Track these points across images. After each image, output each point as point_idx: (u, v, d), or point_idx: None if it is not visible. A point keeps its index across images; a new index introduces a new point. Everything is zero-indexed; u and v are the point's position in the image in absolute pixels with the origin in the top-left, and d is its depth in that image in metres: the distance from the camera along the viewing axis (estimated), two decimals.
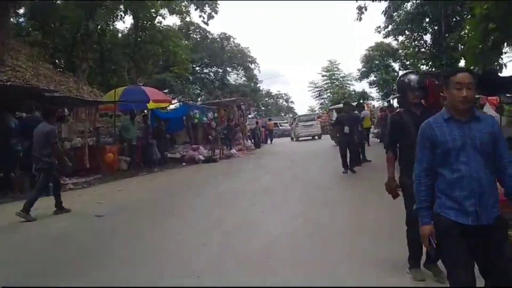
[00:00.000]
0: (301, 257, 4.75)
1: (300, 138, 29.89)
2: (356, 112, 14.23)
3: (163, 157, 15.72)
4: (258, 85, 55.80)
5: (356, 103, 18.19)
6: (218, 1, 30.41)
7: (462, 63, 22.22)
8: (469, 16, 20.60)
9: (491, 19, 7.52)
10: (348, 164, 11.03)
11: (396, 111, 4.57)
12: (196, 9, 31.01)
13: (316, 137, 29.85)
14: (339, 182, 10.19)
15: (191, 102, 26.35)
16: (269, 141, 30.71)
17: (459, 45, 21.57)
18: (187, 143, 18.73)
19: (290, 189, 9.15)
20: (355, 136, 11.49)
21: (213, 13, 30.92)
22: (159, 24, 29.66)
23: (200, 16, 30.82)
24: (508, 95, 14.75)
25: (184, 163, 16.14)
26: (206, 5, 30.70)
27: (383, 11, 28.27)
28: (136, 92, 16.57)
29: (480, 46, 8.17)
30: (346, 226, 6.00)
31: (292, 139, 32.15)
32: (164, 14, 30.00)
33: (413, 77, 3.80)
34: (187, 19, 36.60)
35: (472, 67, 9.17)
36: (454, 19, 24.28)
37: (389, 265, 4.26)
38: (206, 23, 33.10)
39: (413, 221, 3.27)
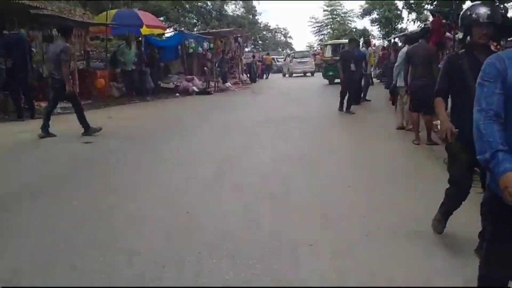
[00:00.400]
0: (292, 196, 4.64)
1: (293, 74, 30.71)
2: (363, 49, 13.79)
3: (156, 86, 15.34)
4: (256, 18, 53.88)
5: (363, 40, 17.53)
6: None
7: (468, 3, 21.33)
8: None
9: None
10: (346, 104, 10.72)
11: (455, 52, 3.47)
12: None
13: (309, 74, 30.51)
14: (338, 121, 9.99)
15: (187, 31, 25.34)
16: (265, 76, 30.14)
17: None
18: (182, 73, 18.21)
19: (286, 126, 8.94)
20: (358, 75, 11.16)
21: None
22: None
23: None
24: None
25: (177, 94, 15.79)
26: None
27: None
28: (129, 16, 15.86)
29: None
30: (344, 165, 5.89)
31: (284, 75, 32.66)
32: None
33: (482, 9, 2.90)
34: None
35: None
36: None
37: (389, 203, 4.17)
38: None
39: (458, 179, 3.15)
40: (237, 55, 22.64)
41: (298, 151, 6.60)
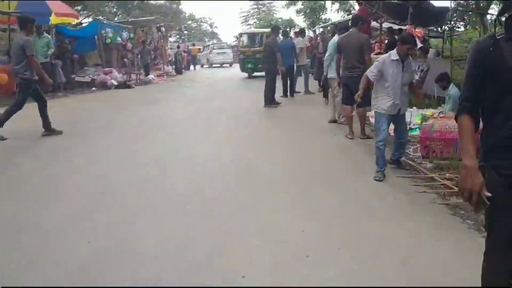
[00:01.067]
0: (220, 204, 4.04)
1: (213, 65, 31.08)
2: (298, 38, 13.37)
3: (69, 80, 13.91)
4: (181, 7, 52.17)
5: (299, 29, 17.06)
6: None
7: None
8: None
9: None
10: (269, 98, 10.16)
11: (487, 35, 2.05)
12: None
13: (228, 65, 30.95)
14: (267, 116, 9.41)
15: (104, 19, 23.52)
16: (192, 67, 29.13)
17: None
18: (99, 66, 16.76)
19: (213, 123, 8.31)
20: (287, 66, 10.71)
21: None
22: None
23: None
24: (434, 28, 14.72)
25: (94, 88, 14.47)
26: None
27: None
28: (34, 4, 14.13)
29: None
30: (277, 166, 5.37)
31: (202, 65, 33.08)
32: None
33: None
34: None
35: None
36: None
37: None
38: None
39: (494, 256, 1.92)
40: (160, 46, 21.47)
41: (228, 151, 6.02)
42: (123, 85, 15.30)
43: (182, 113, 9.50)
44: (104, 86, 14.80)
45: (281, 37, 12.57)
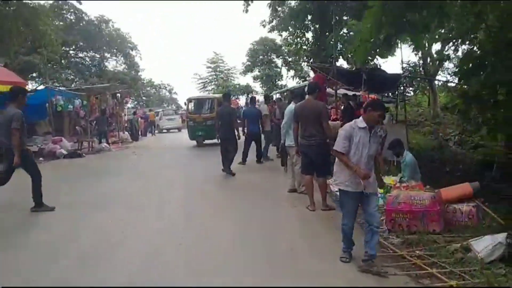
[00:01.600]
0: None
1: (163, 130, 32.06)
2: (264, 105, 13.15)
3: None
4: (139, 74, 52.47)
5: (264, 96, 16.86)
6: None
7: (341, 61, 22.90)
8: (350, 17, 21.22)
9: (385, 12, 7.03)
10: (227, 164, 9.81)
11: None
12: None
13: (177, 130, 31.64)
14: (224, 185, 8.95)
15: (57, 87, 22.94)
16: (149, 134, 28.67)
17: (339, 43, 22.08)
18: (49, 134, 15.99)
19: (165, 198, 7.63)
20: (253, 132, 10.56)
21: None
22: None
23: None
24: (387, 94, 15.20)
25: (41, 158, 13.60)
26: None
27: (269, 4, 28.04)
28: None
29: (371, 40, 7.65)
30: (236, 244, 4.86)
31: (160, 131, 33.04)
32: None
33: None
34: None
35: (363, 62, 8.77)
36: (334, 19, 25.03)
37: None
38: (80, 2, 29.58)
39: None
40: (116, 112, 21.00)
41: (179, 231, 5.44)
42: (74, 154, 14.53)
43: (131, 188, 8.73)
44: (53, 155, 13.99)
45: (248, 104, 12.42)
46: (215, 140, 13.31)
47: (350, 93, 12.91)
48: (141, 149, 17.55)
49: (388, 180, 6.63)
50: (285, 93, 20.27)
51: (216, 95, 19.13)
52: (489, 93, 7.06)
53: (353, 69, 11.05)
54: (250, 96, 13.60)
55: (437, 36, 10.91)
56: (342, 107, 11.86)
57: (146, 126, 28.24)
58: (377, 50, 8.18)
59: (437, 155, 11.68)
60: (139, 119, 25.12)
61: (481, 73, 7.18)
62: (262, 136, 12.06)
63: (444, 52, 15.93)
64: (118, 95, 21.10)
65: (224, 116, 10.05)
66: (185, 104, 20.72)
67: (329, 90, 12.25)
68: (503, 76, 6.66)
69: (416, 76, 21.86)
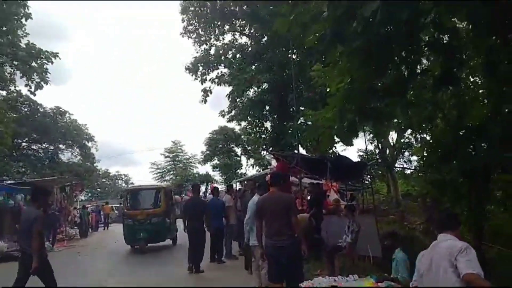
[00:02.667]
0: None
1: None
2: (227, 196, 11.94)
3: None
4: (96, 165, 50.89)
5: (227, 186, 15.50)
6: (49, 71, 26.90)
7: (301, 149, 22.95)
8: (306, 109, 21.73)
9: (348, 99, 6.85)
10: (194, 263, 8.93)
11: None
12: (22, 77, 27.01)
13: None
14: None
15: (3, 180, 21.35)
16: (103, 227, 26.82)
17: (297, 132, 22.34)
18: None
19: None
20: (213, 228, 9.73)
21: (42, 83, 27.18)
22: None
23: (26, 85, 26.80)
24: (350, 183, 14.87)
25: None
26: (35, 73, 26.95)
27: (227, 94, 28.56)
28: None
29: (335, 127, 7.38)
30: None
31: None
32: None
33: None
34: (12, 88, 31.72)
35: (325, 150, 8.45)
36: (291, 110, 25.60)
37: None
38: (33, 93, 28.82)
39: None
40: (63, 207, 19.45)
41: None
42: (11, 257, 12.80)
43: None
44: None
45: (211, 195, 11.60)
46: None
47: (314, 181, 12.45)
48: (88, 248, 15.81)
49: (367, 282, 5.84)
50: (245, 182, 19.59)
51: (163, 184, 17.67)
52: (463, 182, 6.76)
53: (317, 156, 10.68)
54: (192, 184, 12.68)
55: (396, 124, 10.95)
56: (309, 197, 11.30)
57: (97, 220, 26.44)
58: (341, 136, 7.95)
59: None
60: (91, 212, 23.42)
61: (451, 161, 6.97)
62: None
63: (402, 140, 16.21)
64: (67, 188, 19.72)
65: (194, 208, 9.37)
66: (121, 197, 18.03)
67: (293, 178, 11.70)
68: (475, 162, 6.45)
69: (375, 163, 22.09)
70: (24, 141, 43.10)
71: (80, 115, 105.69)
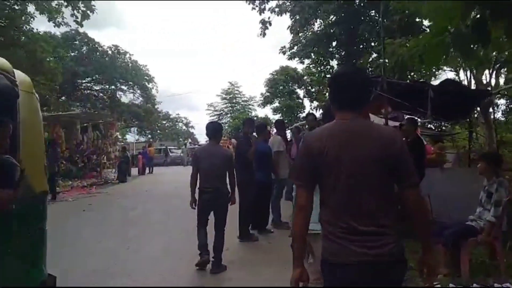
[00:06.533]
0: None
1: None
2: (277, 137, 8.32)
3: None
4: (156, 107, 49.50)
5: (275, 122, 12.01)
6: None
7: None
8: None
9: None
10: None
11: None
12: (67, 6, 24.96)
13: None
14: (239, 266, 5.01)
15: None
16: (148, 170, 24.82)
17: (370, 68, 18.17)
18: None
19: None
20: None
21: (88, 12, 25.08)
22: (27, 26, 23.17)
23: (72, 15, 24.78)
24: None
25: None
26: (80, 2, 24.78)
27: (289, 26, 24.53)
28: None
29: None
30: None
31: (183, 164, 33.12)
32: (34, 13, 23.73)
33: None
34: (59, 19, 29.91)
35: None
36: (362, 46, 21.50)
37: None
38: (80, 24, 26.75)
39: None
40: (99, 148, 17.19)
41: None
42: None
43: None
44: None
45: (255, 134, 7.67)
46: None
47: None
48: (108, 199, 13.27)
49: None
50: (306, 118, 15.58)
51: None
52: None
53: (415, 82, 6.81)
54: (245, 119, 9.20)
55: None
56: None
57: (144, 163, 24.39)
58: (461, 45, 4.19)
59: None
60: (129, 155, 21.09)
61: None
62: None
63: None
64: (101, 126, 17.28)
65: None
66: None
67: (372, 116, 7.74)
68: None
69: None
70: (84, 81, 42.30)
71: (140, 57, 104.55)
